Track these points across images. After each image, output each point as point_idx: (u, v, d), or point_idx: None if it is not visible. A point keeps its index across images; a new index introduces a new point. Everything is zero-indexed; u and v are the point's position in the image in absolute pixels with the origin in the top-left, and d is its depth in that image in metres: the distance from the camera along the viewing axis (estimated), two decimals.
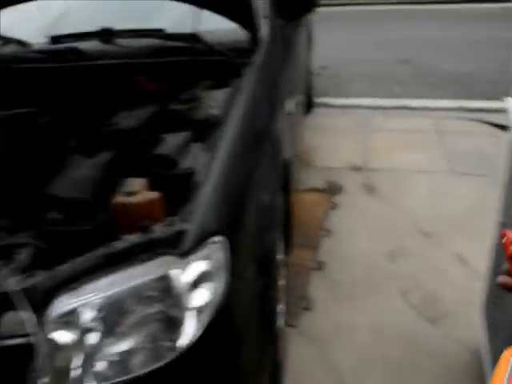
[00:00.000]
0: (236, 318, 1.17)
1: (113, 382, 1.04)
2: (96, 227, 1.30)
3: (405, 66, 5.04)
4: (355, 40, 5.86)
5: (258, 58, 1.81)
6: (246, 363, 1.22)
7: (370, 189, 2.86)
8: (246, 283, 1.24)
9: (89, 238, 1.29)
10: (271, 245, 1.45)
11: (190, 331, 1.06)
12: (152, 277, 1.06)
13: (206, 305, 1.09)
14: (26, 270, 1.21)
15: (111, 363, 1.05)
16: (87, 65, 1.90)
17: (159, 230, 1.12)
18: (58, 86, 1.89)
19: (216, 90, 1.71)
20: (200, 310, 1.08)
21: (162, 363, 1.03)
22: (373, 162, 3.14)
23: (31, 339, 0.99)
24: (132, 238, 1.12)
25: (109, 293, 1.05)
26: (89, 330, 1.04)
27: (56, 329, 1.02)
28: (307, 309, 2.03)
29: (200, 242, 1.12)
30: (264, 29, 1.99)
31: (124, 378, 1.04)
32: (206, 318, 1.08)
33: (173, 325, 1.07)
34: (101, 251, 1.10)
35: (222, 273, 1.13)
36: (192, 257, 1.09)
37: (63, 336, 1.03)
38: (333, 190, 2.84)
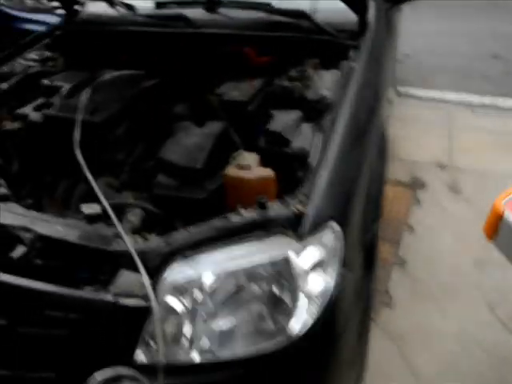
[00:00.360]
0: (343, 311, 1.12)
1: (217, 359, 1.03)
2: (206, 197, 1.29)
3: (495, 61, 4.72)
4: (442, 29, 5.54)
5: (366, 41, 1.73)
6: (344, 359, 1.18)
7: (455, 189, 2.72)
8: (354, 275, 1.19)
9: (198, 207, 1.30)
10: (375, 237, 1.40)
11: (301, 319, 1.03)
12: (270, 257, 1.04)
13: (319, 294, 1.05)
14: (137, 231, 1.23)
15: (217, 338, 1.04)
16: (192, 32, 1.88)
17: (277, 209, 1.09)
18: (163, 51, 1.89)
19: (325, 70, 1.65)
20: (312, 299, 1.05)
21: (269, 347, 1.01)
22: (459, 160, 2.97)
23: (146, 301, 0.99)
24: (249, 214, 1.10)
25: (225, 267, 1.04)
26: (200, 301, 1.04)
27: (169, 295, 1.03)
28: (387, 304, 1.97)
29: (317, 227, 1.08)
30: (372, 11, 1.90)
31: (229, 355, 1.03)
32: (317, 307, 1.05)
33: (283, 309, 1.04)
34: (217, 223, 1.09)
35: (335, 262, 1.09)
36: (309, 241, 1.06)
37: (175, 303, 1.03)
38: (416, 185, 2.72)
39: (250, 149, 1.41)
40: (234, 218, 1.09)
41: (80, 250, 1.11)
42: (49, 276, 1.09)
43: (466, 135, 3.26)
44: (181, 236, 1.08)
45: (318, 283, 1.06)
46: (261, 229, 1.07)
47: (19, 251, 1.12)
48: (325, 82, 1.55)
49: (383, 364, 1.72)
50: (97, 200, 1.35)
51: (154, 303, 0.97)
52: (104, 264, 1.10)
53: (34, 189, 1.56)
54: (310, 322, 1.03)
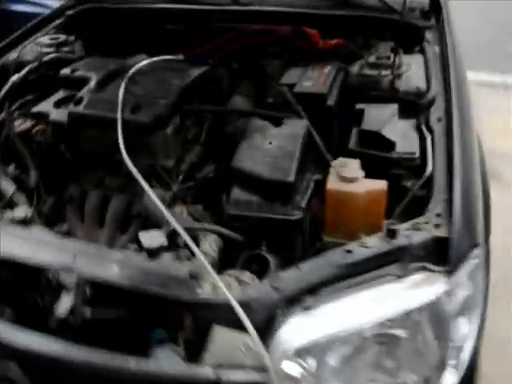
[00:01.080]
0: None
1: None
2: (303, 218, 1.02)
3: None
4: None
5: (443, 21, 1.50)
6: None
7: (496, 176, 2.51)
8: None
9: (291, 231, 1.03)
10: (488, 255, 1.17)
11: (451, 376, 0.81)
12: (414, 301, 0.80)
13: (466, 341, 0.84)
14: (217, 267, 0.96)
15: None
16: (238, 10, 1.60)
17: (410, 236, 0.86)
18: (205, 31, 1.60)
19: (407, 55, 1.40)
20: (460, 349, 0.83)
21: None
22: (497, 145, 2.77)
23: (260, 373, 0.75)
24: (375, 243, 0.86)
25: (357, 320, 0.80)
26: (327, 366, 0.80)
27: (286, 359, 0.78)
28: None
29: (463, 256, 0.85)
30: None
31: None
32: (466, 358, 0.83)
33: (429, 365, 0.82)
34: (337, 257, 0.85)
35: (481, 300, 0.87)
36: (458, 276, 0.83)
37: (294, 370, 0.79)
38: None
39: (330, 152, 1.16)
40: (359, 250, 0.85)
41: (150, 299, 0.84)
42: (104, 337, 0.83)
43: (498, 118, 3.06)
44: (291, 277, 0.84)
45: (465, 328, 0.84)
46: (394, 262, 0.83)
47: (65, 305, 0.84)
48: (413, 70, 1.31)
49: None
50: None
51: (273, 376, 0.73)
52: (182, 317, 0.83)
53: (58, 205, 1.26)
54: (459, 376, 0.82)
